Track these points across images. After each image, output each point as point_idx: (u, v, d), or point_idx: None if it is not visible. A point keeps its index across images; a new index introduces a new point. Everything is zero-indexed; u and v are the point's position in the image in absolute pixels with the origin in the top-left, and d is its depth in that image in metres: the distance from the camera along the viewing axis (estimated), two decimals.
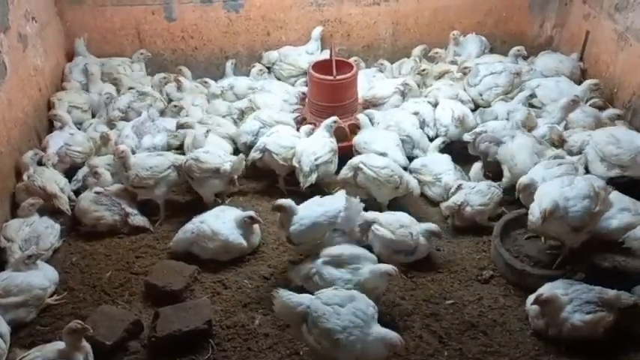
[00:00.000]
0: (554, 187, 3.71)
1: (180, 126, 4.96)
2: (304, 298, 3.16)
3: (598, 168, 4.41)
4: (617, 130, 4.64)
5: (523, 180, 3.95)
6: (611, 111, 5.17)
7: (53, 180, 4.45)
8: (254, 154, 4.74)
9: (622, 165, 4.35)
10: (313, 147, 4.58)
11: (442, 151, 4.91)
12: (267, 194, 4.80)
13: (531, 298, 3.53)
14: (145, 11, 5.98)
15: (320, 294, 3.19)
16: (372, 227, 4.01)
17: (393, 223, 3.98)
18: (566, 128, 4.90)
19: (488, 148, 4.70)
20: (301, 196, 4.65)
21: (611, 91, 5.48)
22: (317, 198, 3.95)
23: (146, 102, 5.45)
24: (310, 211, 3.81)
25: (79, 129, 5.22)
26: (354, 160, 4.46)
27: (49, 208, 4.34)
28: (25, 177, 4.47)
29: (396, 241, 3.93)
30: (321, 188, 4.70)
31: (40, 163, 4.68)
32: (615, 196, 4.02)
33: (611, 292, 3.44)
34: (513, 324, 3.62)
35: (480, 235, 4.28)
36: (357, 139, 4.89)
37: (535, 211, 3.65)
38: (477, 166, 4.67)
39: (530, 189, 3.88)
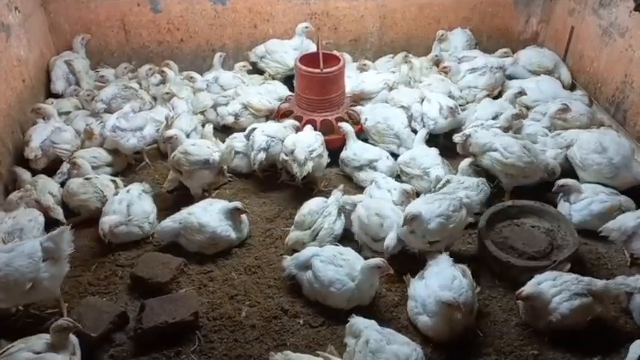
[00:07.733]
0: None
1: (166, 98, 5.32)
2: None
3: (584, 175, 4.46)
4: (605, 135, 4.60)
5: (411, 210, 3.73)
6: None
7: (47, 191, 4.39)
8: (260, 156, 4.64)
9: (605, 176, 4.37)
10: (307, 140, 4.57)
11: (429, 144, 4.90)
12: (254, 186, 4.79)
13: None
14: (130, 3, 5.92)
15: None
16: (357, 206, 4.10)
17: (371, 210, 4.03)
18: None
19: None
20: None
21: (595, 86, 5.54)
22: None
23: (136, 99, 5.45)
24: None
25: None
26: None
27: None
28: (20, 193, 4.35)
29: (367, 224, 3.99)
30: (313, 182, 4.73)
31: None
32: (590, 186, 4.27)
33: (600, 283, 3.46)
34: (498, 315, 3.66)
35: (465, 227, 4.29)
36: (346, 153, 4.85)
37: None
38: (466, 162, 4.65)
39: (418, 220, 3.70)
